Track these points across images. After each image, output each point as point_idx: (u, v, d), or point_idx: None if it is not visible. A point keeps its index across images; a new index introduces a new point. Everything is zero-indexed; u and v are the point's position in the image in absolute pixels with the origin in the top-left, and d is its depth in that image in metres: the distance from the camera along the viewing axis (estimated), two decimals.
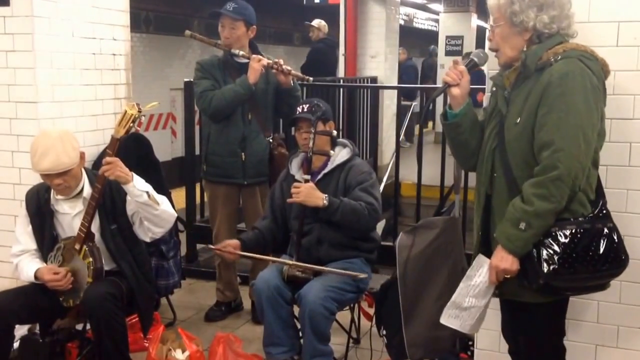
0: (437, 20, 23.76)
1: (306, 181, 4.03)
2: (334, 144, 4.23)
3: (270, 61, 4.69)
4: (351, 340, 4.41)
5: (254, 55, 4.71)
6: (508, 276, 2.83)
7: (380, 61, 10.37)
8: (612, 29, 3.21)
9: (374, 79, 10.10)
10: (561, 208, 2.70)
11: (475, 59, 3.15)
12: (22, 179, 4.41)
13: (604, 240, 2.74)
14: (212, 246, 4.34)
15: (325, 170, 4.17)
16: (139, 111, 3.71)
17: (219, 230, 5.00)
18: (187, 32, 4.98)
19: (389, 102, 10.02)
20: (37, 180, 4.15)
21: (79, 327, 4.30)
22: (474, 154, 3.12)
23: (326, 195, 3.98)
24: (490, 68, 3.35)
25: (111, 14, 4.82)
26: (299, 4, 11.27)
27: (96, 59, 4.73)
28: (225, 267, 5.11)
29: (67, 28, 4.48)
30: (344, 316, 4.28)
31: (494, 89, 3.06)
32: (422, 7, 22.07)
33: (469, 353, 3.96)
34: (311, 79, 5.00)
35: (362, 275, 3.95)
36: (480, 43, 15.93)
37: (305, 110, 4.15)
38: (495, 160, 2.94)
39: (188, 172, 6.36)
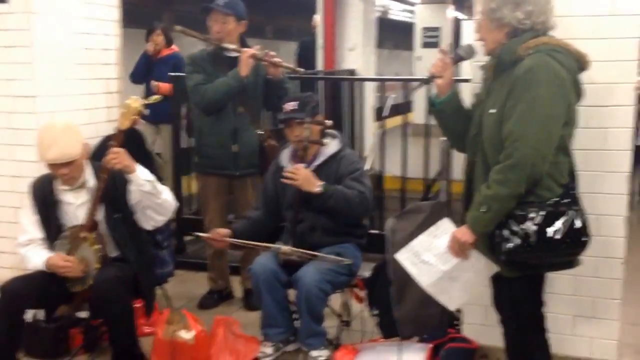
0: (412, 12, 23.89)
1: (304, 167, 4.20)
2: (323, 135, 4.39)
3: (260, 54, 4.82)
4: (342, 323, 4.57)
5: (244, 49, 4.82)
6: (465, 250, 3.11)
7: (358, 54, 10.44)
8: (589, 23, 3.44)
9: (352, 72, 10.15)
10: (518, 193, 2.92)
11: (461, 53, 3.37)
12: (22, 172, 4.55)
13: (563, 224, 2.94)
14: (200, 234, 4.45)
15: (318, 162, 4.31)
16: (143, 105, 3.89)
17: (211, 221, 5.11)
18: (178, 27, 5.10)
19: (367, 95, 10.14)
20: (36, 172, 4.32)
21: (81, 314, 4.49)
22: (459, 137, 3.35)
23: (322, 183, 4.16)
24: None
25: (102, 10, 4.96)
26: None
27: (89, 53, 4.87)
28: (217, 257, 5.25)
29: (62, 24, 4.62)
30: (333, 301, 4.44)
31: (484, 77, 3.27)
32: None
33: (456, 328, 4.16)
34: (302, 70, 5.14)
35: (347, 261, 4.12)
36: (457, 34, 16.01)
37: (295, 107, 4.29)
38: (476, 146, 3.17)
39: (175, 165, 6.45)
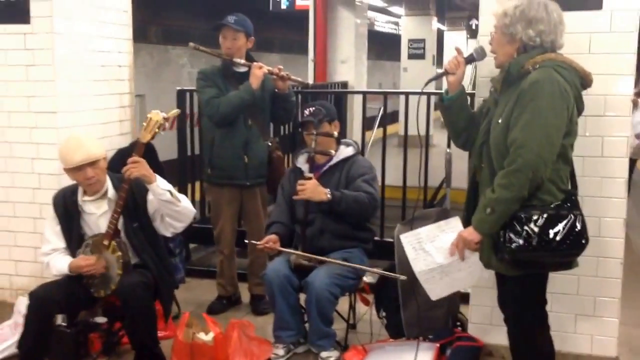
0: (397, 23, 24.17)
1: (309, 178, 4.42)
2: (338, 142, 4.63)
3: (271, 68, 5.02)
4: (349, 326, 4.75)
5: (255, 63, 5.02)
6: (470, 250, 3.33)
7: (350, 66, 10.62)
8: (586, 39, 3.70)
9: (344, 84, 10.31)
10: (521, 196, 3.14)
11: (474, 54, 3.63)
12: (42, 184, 4.74)
13: (564, 226, 3.16)
14: (255, 242, 4.61)
15: (330, 163, 4.57)
16: (165, 118, 4.08)
17: (222, 230, 5.29)
18: (191, 44, 5.32)
19: (357, 107, 10.34)
20: (56, 185, 4.56)
21: (99, 320, 4.66)
22: (460, 133, 3.62)
23: (328, 190, 4.38)
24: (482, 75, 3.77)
25: (117, 29, 5.17)
26: (265, 10, 11.46)
27: (104, 70, 5.07)
28: (227, 264, 5.41)
29: (81, 43, 4.82)
30: (340, 305, 4.58)
31: (492, 89, 3.50)
32: (382, 11, 22.41)
33: (460, 328, 4.37)
34: (310, 83, 5.34)
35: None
36: (440, 45, 16.25)
37: (309, 112, 4.56)
38: (483, 154, 3.40)
39: (182, 175, 6.57)
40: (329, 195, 4.36)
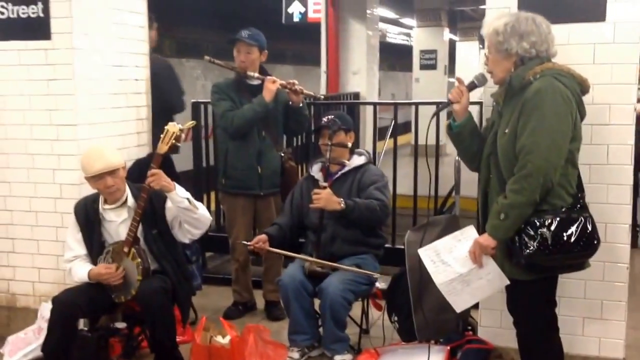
0: (408, 35, 24.29)
1: (324, 187, 4.54)
2: (352, 152, 4.77)
3: (284, 82, 5.17)
4: (362, 331, 4.86)
5: (268, 77, 5.17)
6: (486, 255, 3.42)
7: (362, 77, 10.72)
8: (590, 50, 3.81)
9: (356, 95, 10.39)
10: (534, 200, 3.25)
11: (475, 81, 3.74)
12: (63, 194, 4.85)
13: (577, 228, 3.28)
14: (246, 242, 4.76)
15: (343, 171, 4.71)
16: (180, 129, 4.22)
17: (237, 238, 5.39)
18: (206, 57, 5.47)
19: (370, 118, 10.39)
20: (76, 194, 4.67)
21: (119, 325, 4.78)
22: (475, 156, 3.69)
23: (342, 199, 4.50)
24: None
25: (134, 44, 5.28)
26: (278, 22, 11.58)
27: (122, 84, 5.19)
28: (242, 271, 5.54)
29: (100, 58, 4.94)
30: (352, 310, 4.69)
31: (494, 104, 3.62)
32: (394, 22, 22.54)
33: (471, 332, 4.46)
34: (322, 96, 5.47)
35: (376, 275, 4.51)
36: (452, 56, 16.32)
37: (326, 121, 4.72)
38: (491, 164, 3.52)
39: (198, 185, 6.66)
40: (342, 205, 4.49)
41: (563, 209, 3.30)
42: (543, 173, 3.21)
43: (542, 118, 3.23)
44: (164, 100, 5.69)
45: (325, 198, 4.50)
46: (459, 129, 3.69)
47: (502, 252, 3.41)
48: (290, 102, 5.27)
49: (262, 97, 5.09)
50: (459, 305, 3.62)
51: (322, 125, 4.75)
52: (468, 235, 3.57)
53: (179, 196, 4.16)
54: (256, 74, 5.20)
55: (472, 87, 3.73)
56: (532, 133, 3.24)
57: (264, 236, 4.68)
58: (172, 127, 4.22)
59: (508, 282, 3.45)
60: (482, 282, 3.52)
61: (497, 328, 4.12)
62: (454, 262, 3.54)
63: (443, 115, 6.01)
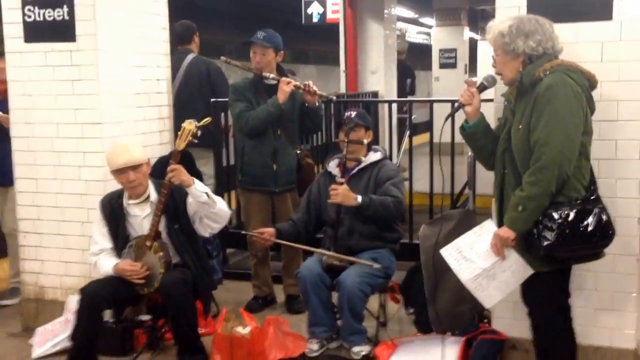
0: (428, 34, 24.32)
1: (341, 183, 4.66)
2: (369, 150, 4.88)
3: (299, 83, 5.30)
4: (379, 323, 4.98)
5: (283, 78, 5.29)
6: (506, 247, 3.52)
7: (380, 76, 10.80)
8: (598, 48, 3.90)
9: (375, 94, 10.47)
10: (550, 191, 3.36)
11: (485, 83, 3.84)
12: (89, 190, 5.00)
13: (593, 218, 3.39)
14: (249, 232, 4.92)
15: (360, 167, 4.83)
16: (197, 127, 4.36)
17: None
18: (223, 57, 5.61)
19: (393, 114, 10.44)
20: (101, 191, 4.82)
21: (143, 317, 4.94)
22: (490, 156, 3.80)
23: (358, 195, 4.62)
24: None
25: (155, 45, 5.44)
26: (298, 23, 11.68)
27: (144, 84, 5.34)
28: (261, 266, 5.68)
29: (123, 58, 5.10)
30: (370, 304, 4.83)
31: (505, 103, 3.73)
32: (414, 22, 22.61)
33: (486, 322, 4.54)
34: (334, 97, 5.60)
35: (376, 265, 4.57)
36: (472, 54, 16.32)
37: (347, 117, 4.85)
38: (505, 160, 3.63)
39: (218, 184, 6.80)
40: (359, 201, 4.60)
41: (578, 201, 3.41)
42: (558, 164, 3.32)
43: (554, 112, 3.34)
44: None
45: (343, 194, 4.61)
46: (471, 129, 3.81)
47: (520, 245, 3.51)
48: (306, 103, 5.40)
49: (276, 98, 5.23)
50: (487, 301, 3.71)
51: (341, 122, 4.88)
52: (487, 230, 3.67)
53: (198, 191, 4.29)
54: (272, 75, 5.33)
55: (482, 88, 3.83)
56: (545, 126, 3.35)
57: (271, 229, 4.82)
58: (189, 125, 4.36)
59: (532, 272, 3.53)
60: (507, 275, 3.60)
61: (511, 319, 4.20)
62: (477, 258, 3.64)
63: (460, 113, 6.09)
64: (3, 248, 6.10)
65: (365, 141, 4.82)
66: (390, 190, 4.69)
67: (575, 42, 3.86)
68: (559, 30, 3.61)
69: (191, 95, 6.45)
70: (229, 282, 6.18)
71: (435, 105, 6.47)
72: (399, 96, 10.98)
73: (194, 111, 5.80)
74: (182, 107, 6.16)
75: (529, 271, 3.55)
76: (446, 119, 4.07)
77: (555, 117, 3.34)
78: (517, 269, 3.57)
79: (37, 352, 4.87)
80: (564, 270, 3.62)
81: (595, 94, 3.54)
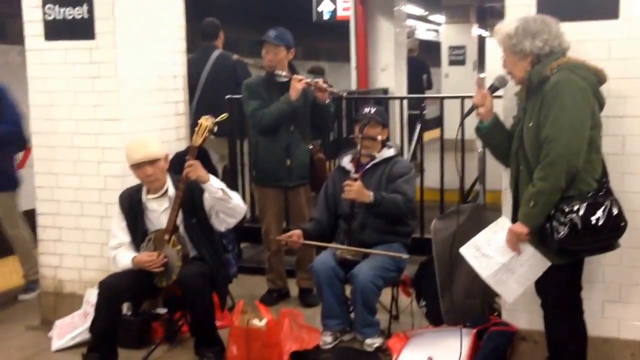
0: (436, 31, 24.37)
1: (355, 179, 4.76)
2: (383, 146, 4.99)
3: (310, 80, 5.40)
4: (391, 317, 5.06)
5: (295, 76, 5.39)
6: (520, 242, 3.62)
7: (390, 73, 10.88)
8: (605, 46, 3.98)
9: (385, 90, 10.54)
10: (559, 186, 3.45)
11: (496, 83, 3.95)
12: (107, 185, 5.11)
13: (604, 211, 3.48)
14: (279, 237, 5.03)
15: (373, 162, 4.93)
16: (214, 122, 4.46)
17: (268, 228, 5.67)
18: (235, 56, 5.74)
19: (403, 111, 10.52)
20: (120, 186, 4.92)
21: (160, 310, 5.05)
22: (507, 153, 3.90)
23: (372, 192, 4.72)
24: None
25: (172, 42, 5.54)
26: (308, 20, 11.78)
27: (161, 81, 5.44)
28: (275, 260, 5.78)
29: (141, 56, 5.20)
30: (382, 298, 4.91)
31: (518, 102, 3.84)
32: (423, 19, 22.67)
33: (497, 314, 4.63)
34: (344, 94, 5.70)
35: (405, 256, 4.68)
36: (481, 51, 16.34)
37: (363, 112, 4.97)
38: (519, 157, 3.74)
39: (233, 180, 6.86)
40: (372, 198, 4.70)
41: (589, 194, 3.50)
42: (566, 159, 3.42)
43: (561, 108, 3.44)
44: None
45: (357, 190, 4.71)
46: (487, 129, 3.92)
47: (535, 239, 3.61)
48: (317, 100, 5.49)
49: (289, 95, 5.33)
50: (509, 295, 3.81)
51: (355, 119, 4.98)
52: (502, 226, 3.77)
53: (213, 187, 4.38)
54: (284, 73, 5.43)
55: (493, 89, 3.94)
56: (553, 122, 3.45)
57: (298, 231, 4.91)
58: (206, 121, 4.45)
59: (550, 264, 3.63)
60: (525, 268, 3.70)
61: (521, 312, 4.27)
62: (495, 254, 3.74)
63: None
64: (10, 246, 6.19)
65: (379, 138, 4.91)
66: (402, 187, 4.80)
67: (583, 40, 3.93)
68: (568, 29, 3.71)
69: (217, 90, 6.62)
70: (242, 276, 6.22)
71: (445, 101, 6.56)
72: (415, 92, 11.05)
73: (220, 106, 6.02)
74: (208, 102, 6.29)
75: (546, 263, 3.65)
76: (462, 120, 4.18)
77: (561, 114, 3.44)
78: (534, 262, 3.67)
79: (56, 344, 4.98)
80: (577, 263, 3.72)
81: (602, 90, 3.64)
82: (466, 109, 4.15)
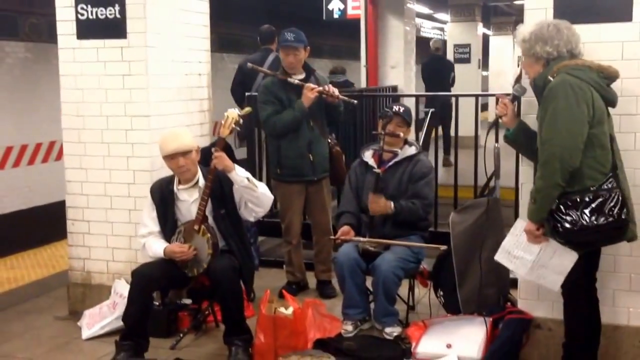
0: (442, 29, 24.53)
1: (377, 174, 4.97)
2: (405, 143, 5.17)
3: (321, 89, 5.58)
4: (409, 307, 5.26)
5: (306, 85, 5.57)
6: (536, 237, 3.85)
7: (399, 71, 11.04)
8: (618, 48, 4.15)
9: (394, 88, 10.68)
10: (554, 183, 3.65)
11: (515, 93, 4.22)
12: (136, 180, 5.29)
13: (602, 204, 3.66)
14: (332, 237, 5.26)
15: (395, 160, 5.11)
16: (239, 115, 4.64)
17: (291, 222, 5.86)
18: (249, 64, 5.95)
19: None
20: (148, 180, 5.10)
21: (185, 301, 5.24)
22: (536, 153, 4.03)
23: (392, 203, 4.95)
24: None
25: (198, 41, 5.74)
26: (319, 18, 11.94)
27: (187, 78, 5.63)
28: (295, 252, 5.96)
29: (169, 54, 5.39)
30: (399, 289, 5.09)
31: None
32: (428, 17, 22.80)
33: (510, 304, 4.82)
34: (355, 102, 5.90)
35: (443, 247, 4.86)
36: (486, 49, 16.52)
37: (389, 110, 5.16)
38: (539, 155, 3.93)
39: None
40: (392, 209, 4.94)
41: (592, 188, 3.68)
42: (558, 158, 3.62)
43: (555, 110, 3.66)
44: None
45: (383, 206, 4.96)
46: (513, 135, 4.16)
47: (549, 233, 3.81)
48: (327, 100, 5.68)
49: (302, 103, 5.54)
50: (553, 286, 3.98)
51: (382, 115, 5.20)
52: (520, 227, 3.99)
53: (238, 176, 4.55)
54: (296, 80, 5.64)
55: (514, 98, 4.21)
56: (548, 124, 3.68)
57: (346, 228, 5.10)
58: (232, 113, 4.64)
59: (576, 254, 3.82)
60: (555, 261, 3.90)
61: (535, 300, 4.45)
62: (523, 253, 3.98)
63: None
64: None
65: (402, 135, 5.09)
66: (423, 191, 5.03)
67: (598, 41, 4.13)
68: (582, 31, 3.93)
69: None
70: (261, 270, 6.39)
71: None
72: (442, 90, 11.28)
73: None
74: None
75: (573, 253, 3.83)
76: (488, 131, 4.45)
77: (555, 115, 3.65)
78: (561, 253, 3.86)
79: (86, 333, 5.15)
80: (592, 254, 3.92)
81: (616, 90, 3.84)
82: (480, 107, 4.37)
